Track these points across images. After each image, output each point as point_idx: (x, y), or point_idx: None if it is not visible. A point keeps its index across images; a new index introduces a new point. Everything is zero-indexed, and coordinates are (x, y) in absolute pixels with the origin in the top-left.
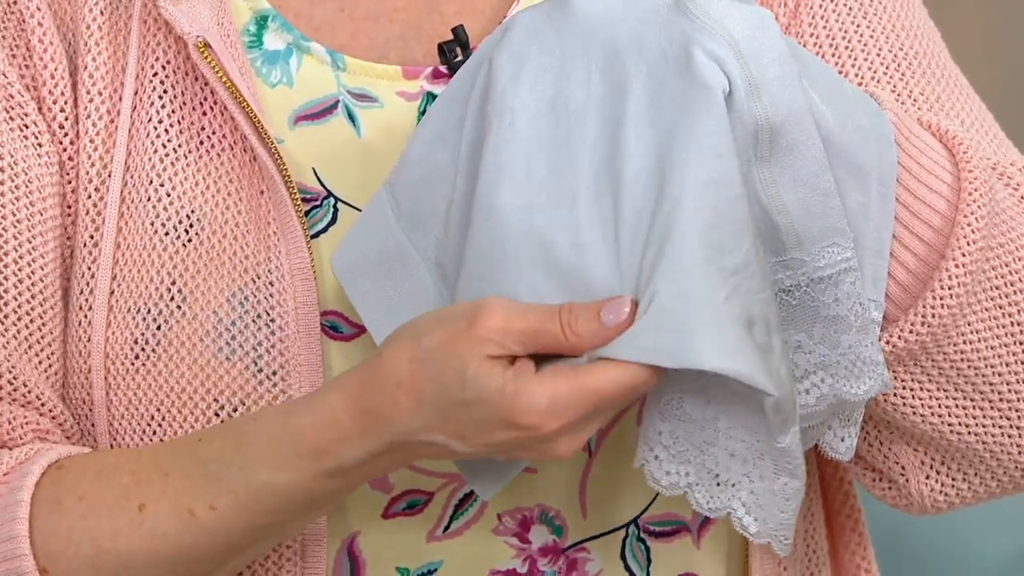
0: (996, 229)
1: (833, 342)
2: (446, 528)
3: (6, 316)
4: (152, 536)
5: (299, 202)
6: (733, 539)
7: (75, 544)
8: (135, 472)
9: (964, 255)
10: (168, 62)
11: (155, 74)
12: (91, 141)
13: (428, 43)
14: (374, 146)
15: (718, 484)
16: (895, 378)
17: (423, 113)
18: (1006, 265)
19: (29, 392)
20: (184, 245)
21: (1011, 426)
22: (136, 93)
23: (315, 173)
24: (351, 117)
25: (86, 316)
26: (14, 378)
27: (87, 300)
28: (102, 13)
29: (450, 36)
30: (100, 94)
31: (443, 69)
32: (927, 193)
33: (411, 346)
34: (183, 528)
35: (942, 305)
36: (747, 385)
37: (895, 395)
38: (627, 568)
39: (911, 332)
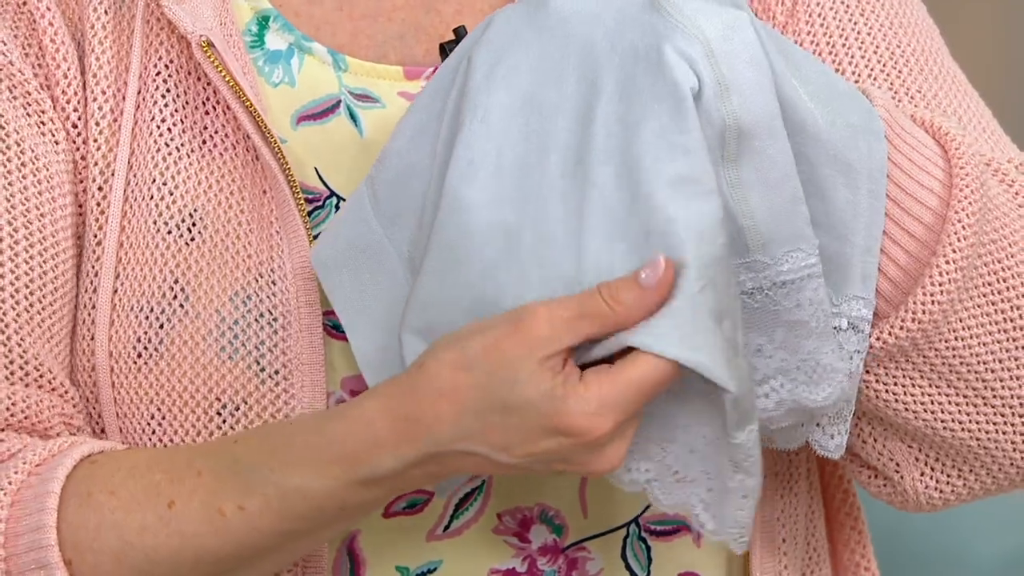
0: (988, 225)
1: (793, 347)
2: (446, 527)
3: (31, 305)
4: (180, 534)
5: (302, 201)
6: None
7: (102, 538)
8: (168, 471)
9: (955, 251)
10: (171, 61)
11: (158, 73)
12: (95, 140)
13: (427, 42)
14: (376, 146)
15: (677, 481)
16: (887, 374)
17: None
18: (998, 262)
19: (55, 379)
20: (187, 244)
21: (1004, 422)
22: (139, 92)
23: (317, 172)
24: (353, 117)
25: (90, 315)
26: (40, 364)
27: (91, 298)
28: (106, 13)
29: (449, 35)
30: (104, 93)
31: None
32: (918, 189)
33: (455, 354)
34: (211, 527)
35: (933, 301)
36: (707, 379)
37: (888, 392)
38: (628, 567)
39: (902, 328)
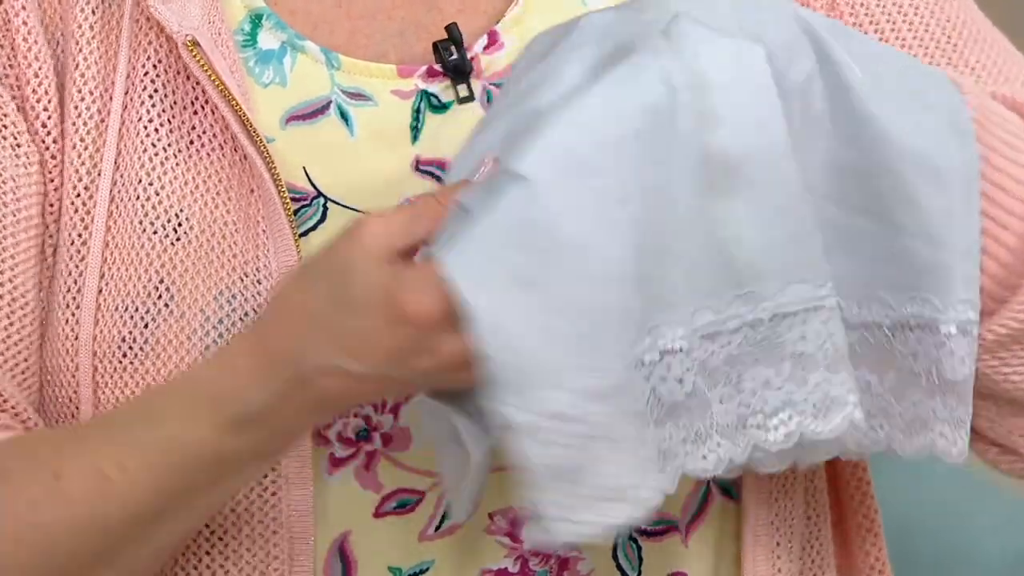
0: None
1: (800, 380)
2: (438, 527)
3: None
4: (69, 502)
5: (288, 201)
6: (723, 537)
7: None
8: (54, 444)
9: None
10: (159, 61)
11: (146, 73)
12: (81, 140)
13: (428, 41)
14: (365, 145)
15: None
16: (1013, 356)
17: (416, 111)
18: None
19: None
20: (172, 244)
21: None
22: (127, 93)
23: (305, 172)
24: (344, 116)
25: (73, 315)
26: None
27: (74, 299)
28: (93, 13)
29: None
30: (91, 93)
31: (437, 67)
32: (1014, 186)
33: (299, 273)
34: (97, 492)
35: None
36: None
37: (1016, 374)
38: (619, 567)
39: (1013, 319)
